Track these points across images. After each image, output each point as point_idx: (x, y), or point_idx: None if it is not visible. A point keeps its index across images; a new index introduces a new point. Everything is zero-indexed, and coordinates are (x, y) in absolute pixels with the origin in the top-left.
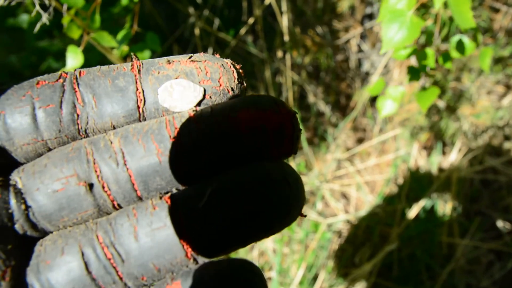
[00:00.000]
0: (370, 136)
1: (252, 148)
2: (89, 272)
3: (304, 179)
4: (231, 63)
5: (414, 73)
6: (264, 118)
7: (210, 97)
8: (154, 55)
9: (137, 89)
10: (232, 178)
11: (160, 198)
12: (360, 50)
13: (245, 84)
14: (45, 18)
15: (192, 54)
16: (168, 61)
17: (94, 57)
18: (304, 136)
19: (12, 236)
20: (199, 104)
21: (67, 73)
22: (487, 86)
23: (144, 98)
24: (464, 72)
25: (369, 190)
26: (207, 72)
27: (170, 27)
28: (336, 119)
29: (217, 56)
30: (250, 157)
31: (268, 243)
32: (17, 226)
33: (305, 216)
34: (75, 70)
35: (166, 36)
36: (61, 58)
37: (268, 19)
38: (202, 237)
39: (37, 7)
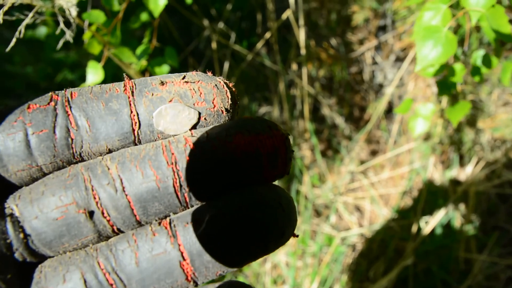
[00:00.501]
0: (384, 148)
1: (248, 171)
2: None
3: (317, 192)
4: (224, 82)
5: (444, 88)
6: (258, 142)
7: (205, 118)
8: (172, 70)
9: (131, 112)
10: (228, 204)
11: (159, 224)
12: (374, 62)
13: (238, 103)
14: (68, 35)
15: (185, 74)
16: (162, 82)
17: (110, 70)
18: (317, 148)
19: (11, 265)
20: (194, 127)
21: (58, 95)
22: (503, 98)
23: (139, 121)
24: (481, 84)
25: (384, 203)
26: (201, 93)
27: (183, 39)
28: (350, 131)
29: (210, 74)
30: (245, 180)
31: (281, 257)
32: (16, 255)
33: (297, 236)
34: (66, 90)
35: (181, 49)
36: (76, 69)
37: (282, 31)
38: (202, 261)
39: (62, 25)
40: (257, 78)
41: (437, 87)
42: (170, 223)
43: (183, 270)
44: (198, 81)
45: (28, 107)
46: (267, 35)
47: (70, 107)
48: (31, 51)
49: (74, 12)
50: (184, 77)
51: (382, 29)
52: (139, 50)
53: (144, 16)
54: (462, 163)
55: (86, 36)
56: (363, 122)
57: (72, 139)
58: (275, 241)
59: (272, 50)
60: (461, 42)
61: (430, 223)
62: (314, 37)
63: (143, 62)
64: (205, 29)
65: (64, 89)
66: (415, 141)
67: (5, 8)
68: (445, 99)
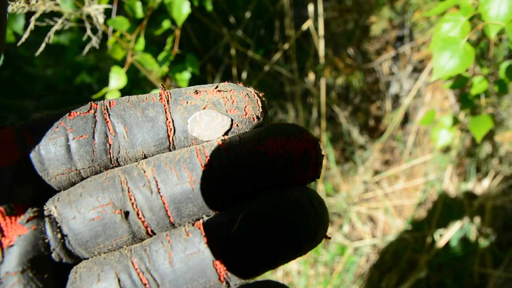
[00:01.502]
0: (398, 158)
1: (280, 174)
2: None
3: (331, 201)
4: (255, 92)
5: (466, 102)
6: (290, 145)
7: (237, 125)
8: (192, 76)
9: (167, 119)
10: (262, 205)
11: (193, 224)
12: (391, 73)
13: (268, 111)
14: (94, 42)
15: (217, 84)
16: (196, 91)
17: (129, 75)
18: (332, 157)
19: (48, 265)
20: (226, 133)
21: (97, 104)
22: None
23: (174, 127)
24: (500, 97)
25: (397, 214)
26: (233, 101)
27: (201, 46)
28: (365, 141)
29: (241, 85)
30: (278, 182)
31: (293, 265)
32: (53, 255)
33: (330, 238)
34: (104, 100)
35: (200, 55)
36: (94, 72)
37: (299, 39)
38: (235, 261)
39: (88, 31)
40: (274, 86)
41: (459, 100)
42: (203, 224)
43: (216, 270)
44: (231, 90)
45: (69, 114)
46: (286, 45)
47: (109, 115)
48: (52, 55)
49: (101, 19)
50: (217, 87)
51: (400, 39)
52: (160, 56)
53: (166, 24)
54: (478, 176)
55: (111, 42)
56: (379, 132)
57: (110, 145)
58: (308, 242)
59: (289, 58)
60: (482, 55)
61: (444, 236)
62: (331, 46)
63: (165, 69)
64: (224, 36)
65: (103, 99)
66: (431, 153)
67: (37, 15)
68: (463, 112)
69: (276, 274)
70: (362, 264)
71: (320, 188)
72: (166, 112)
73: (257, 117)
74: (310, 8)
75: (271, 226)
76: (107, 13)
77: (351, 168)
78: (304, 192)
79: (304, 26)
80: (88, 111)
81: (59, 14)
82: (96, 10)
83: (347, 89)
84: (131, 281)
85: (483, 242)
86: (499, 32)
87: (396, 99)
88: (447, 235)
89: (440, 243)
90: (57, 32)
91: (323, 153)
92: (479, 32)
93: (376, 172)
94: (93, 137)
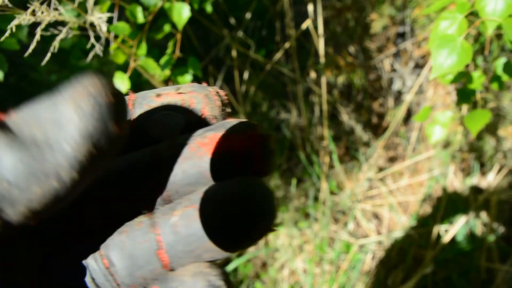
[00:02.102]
0: (402, 155)
1: (219, 169)
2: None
3: (335, 198)
4: (215, 92)
5: (463, 96)
6: (230, 141)
7: (194, 126)
8: (195, 78)
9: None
10: (201, 197)
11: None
12: (392, 69)
13: (229, 110)
14: (98, 49)
15: (179, 86)
16: (158, 94)
17: (132, 79)
18: (336, 155)
19: None
20: (182, 132)
21: None
22: None
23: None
24: (503, 91)
25: (402, 211)
26: (191, 103)
27: (202, 48)
28: (368, 138)
29: (204, 84)
30: (217, 178)
31: (299, 263)
32: None
33: (274, 230)
34: None
35: (201, 57)
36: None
37: (300, 38)
38: (174, 254)
39: (92, 39)
40: (276, 85)
41: (456, 95)
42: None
43: (160, 258)
44: (190, 92)
45: None
46: (286, 45)
47: None
48: (56, 60)
49: (104, 27)
50: (178, 89)
51: (401, 36)
52: (162, 60)
53: (167, 28)
54: (483, 171)
55: (113, 47)
56: (382, 129)
57: None
58: (247, 235)
59: (290, 57)
60: (482, 50)
61: (450, 231)
62: (332, 45)
63: (167, 72)
64: (225, 37)
65: None
66: (434, 149)
67: (43, 26)
68: (465, 107)
69: (282, 273)
70: (368, 262)
71: (324, 186)
72: (131, 116)
73: (215, 117)
74: (310, 7)
75: (208, 218)
76: (109, 19)
77: (355, 165)
78: (244, 183)
79: (304, 26)
80: None
81: (63, 23)
82: (99, 19)
83: (349, 87)
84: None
85: (490, 237)
86: (497, 28)
87: (399, 96)
88: (453, 231)
89: (446, 238)
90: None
91: (272, 149)
92: (478, 27)
93: (380, 169)
94: None
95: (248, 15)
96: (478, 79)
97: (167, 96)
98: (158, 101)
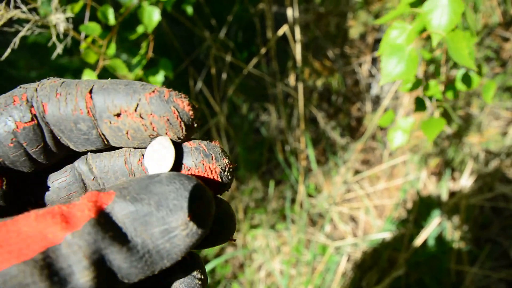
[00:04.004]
0: (379, 159)
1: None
2: None
3: (313, 201)
4: (178, 112)
5: (420, 104)
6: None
7: None
8: (166, 80)
9: (99, 136)
10: None
11: None
12: (370, 75)
13: (196, 124)
14: (59, 49)
15: (138, 102)
16: (117, 114)
17: (106, 76)
18: (313, 158)
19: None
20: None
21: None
22: (496, 113)
23: (108, 142)
24: (473, 98)
25: (378, 214)
26: (153, 128)
27: (185, 49)
28: (346, 142)
29: (165, 97)
30: None
31: (276, 264)
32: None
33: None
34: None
35: (182, 58)
36: (79, 74)
37: (281, 43)
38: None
39: (54, 38)
40: (256, 88)
41: (414, 103)
42: None
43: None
44: (151, 115)
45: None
46: (263, 50)
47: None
48: (35, 56)
49: (62, 28)
50: (136, 107)
51: (379, 42)
52: (135, 60)
53: (140, 29)
54: (455, 176)
55: (82, 46)
56: (359, 133)
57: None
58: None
59: (271, 60)
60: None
61: (422, 235)
62: (312, 49)
63: (139, 72)
64: (206, 39)
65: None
66: (409, 154)
67: (0, 23)
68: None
69: (259, 274)
70: (343, 263)
71: (301, 188)
72: (97, 128)
73: (179, 138)
74: (289, 11)
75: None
76: (81, 17)
77: (332, 168)
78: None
79: (280, 32)
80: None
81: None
82: (58, 19)
83: (329, 91)
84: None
85: (460, 240)
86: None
87: (377, 101)
88: (425, 234)
89: (418, 241)
90: (36, 34)
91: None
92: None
93: (357, 172)
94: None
95: (229, 18)
96: (434, 87)
97: (126, 116)
98: (118, 120)
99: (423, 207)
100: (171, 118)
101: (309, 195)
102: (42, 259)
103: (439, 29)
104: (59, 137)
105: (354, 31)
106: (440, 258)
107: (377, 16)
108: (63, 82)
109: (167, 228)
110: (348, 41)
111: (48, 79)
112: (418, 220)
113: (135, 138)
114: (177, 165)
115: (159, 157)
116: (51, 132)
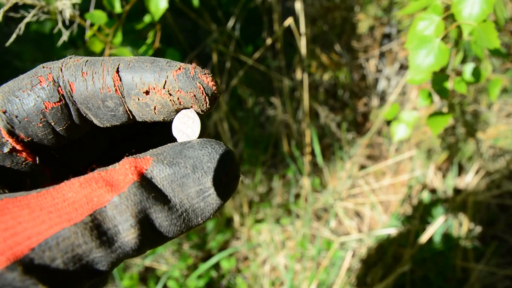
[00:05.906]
0: (385, 154)
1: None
2: None
3: (318, 196)
4: (203, 88)
5: (425, 97)
6: None
7: None
8: None
9: (126, 112)
10: None
11: None
12: (378, 70)
13: (218, 96)
14: (65, 36)
15: (165, 79)
16: (146, 91)
17: None
18: (319, 152)
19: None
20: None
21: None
22: (506, 109)
23: (134, 117)
24: (482, 94)
25: (383, 209)
26: (180, 102)
27: (190, 42)
28: (352, 137)
29: (191, 74)
30: None
31: (280, 259)
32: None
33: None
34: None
35: (186, 51)
36: None
37: (288, 37)
38: None
39: (60, 25)
40: (262, 82)
41: (419, 95)
42: None
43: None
44: (178, 91)
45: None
46: (269, 41)
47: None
48: (40, 48)
49: (67, 14)
50: (165, 84)
51: (387, 37)
52: (141, 50)
53: (147, 18)
54: (462, 172)
55: (88, 35)
56: (365, 128)
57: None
58: None
59: (278, 54)
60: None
61: (428, 231)
62: (319, 43)
63: None
64: (212, 32)
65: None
66: (416, 149)
67: (5, 8)
68: (445, 107)
69: (264, 269)
70: (348, 259)
71: (306, 183)
72: (124, 104)
73: (203, 111)
74: (298, 4)
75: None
76: (87, 5)
77: (338, 163)
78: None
79: (285, 23)
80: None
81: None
82: (64, 5)
83: (336, 85)
84: None
85: (466, 237)
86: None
87: (383, 96)
88: (431, 230)
89: (424, 237)
90: (40, 23)
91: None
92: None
93: (363, 167)
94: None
95: (236, 11)
96: (445, 81)
97: (155, 93)
98: (147, 97)
99: (429, 203)
100: (197, 94)
101: (314, 190)
102: (91, 221)
103: (470, 19)
104: (85, 115)
105: (363, 25)
106: (445, 254)
107: (385, 10)
108: (87, 60)
109: (202, 189)
110: (356, 35)
111: (70, 58)
112: (424, 216)
113: (161, 113)
114: (202, 134)
115: (186, 127)
116: (78, 110)
